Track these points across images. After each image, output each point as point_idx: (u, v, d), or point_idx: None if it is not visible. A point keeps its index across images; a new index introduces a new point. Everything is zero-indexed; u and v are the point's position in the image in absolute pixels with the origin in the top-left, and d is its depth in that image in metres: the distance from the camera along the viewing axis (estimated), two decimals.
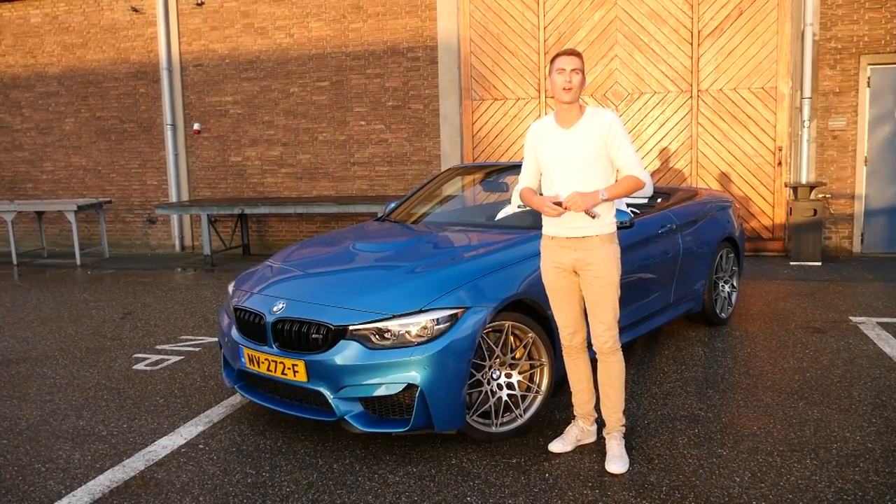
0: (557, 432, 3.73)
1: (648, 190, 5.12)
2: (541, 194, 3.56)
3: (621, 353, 3.48)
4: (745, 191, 9.26)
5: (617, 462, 3.39)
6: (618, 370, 3.46)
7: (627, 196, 3.42)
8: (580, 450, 3.60)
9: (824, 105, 8.84)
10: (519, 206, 5.11)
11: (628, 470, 3.37)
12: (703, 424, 3.88)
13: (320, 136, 10.50)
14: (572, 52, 3.35)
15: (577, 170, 3.34)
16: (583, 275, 3.40)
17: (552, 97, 9.53)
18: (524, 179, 3.62)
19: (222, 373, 4.25)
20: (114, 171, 11.53)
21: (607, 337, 3.40)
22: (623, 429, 3.51)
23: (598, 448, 3.59)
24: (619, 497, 3.13)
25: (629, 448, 3.59)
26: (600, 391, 3.52)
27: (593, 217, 3.28)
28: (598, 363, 3.48)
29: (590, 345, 3.58)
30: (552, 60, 3.38)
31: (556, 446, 3.59)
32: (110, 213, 11.55)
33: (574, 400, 3.67)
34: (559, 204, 3.25)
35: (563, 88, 3.30)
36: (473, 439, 3.70)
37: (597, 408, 3.65)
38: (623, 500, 3.11)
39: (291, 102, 10.54)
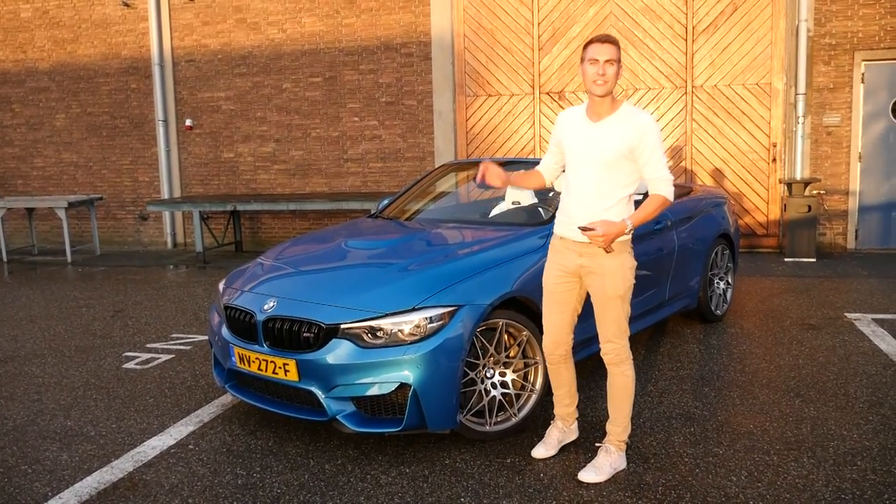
0: None
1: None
2: (557, 192, 3.47)
3: (629, 366, 3.27)
4: (740, 187, 9.24)
5: (591, 471, 3.23)
6: (621, 384, 3.28)
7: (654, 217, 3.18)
8: (575, 450, 3.56)
9: (818, 101, 8.82)
10: (513, 203, 5.08)
11: (623, 470, 3.32)
12: (698, 423, 3.85)
13: (313, 133, 10.43)
14: (607, 39, 3.04)
15: (598, 170, 3.11)
16: (587, 282, 3.24)
17: (547, 93, 9.59)
18: (540, 166, 3.51)
19: (213, 372, 4.19)
20: (105, 167, 11.44)
21: (609, 349, 3.26)
22: (621, 445, 3.33)
23: (591, 448, 3.53)
24: (614, 497, 3.09)
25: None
26: (608, 400, 3.37)
27: (608, 252, 3.05)
28: (608, 372, 3.34)
29: (576, 349, 3.50)
30: (585, 47, 3.09)
31: (540, 452, 3.49)
32: (101, 209, 11.46)
33: (554, 400, 3.55)
34: (585, 228, 3.00)
35: (595, 81, 3.04)
36: (467, 439, 3.65)
37: (581, 410, 3.57)
38: (619, 500, 3.07)
39: (284, 98, 10.47)
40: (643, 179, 3.17)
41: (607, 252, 3.09)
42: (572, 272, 3.28)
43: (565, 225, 3.26)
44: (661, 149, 3.08)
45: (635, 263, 3.26)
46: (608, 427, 3.37)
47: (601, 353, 3.33)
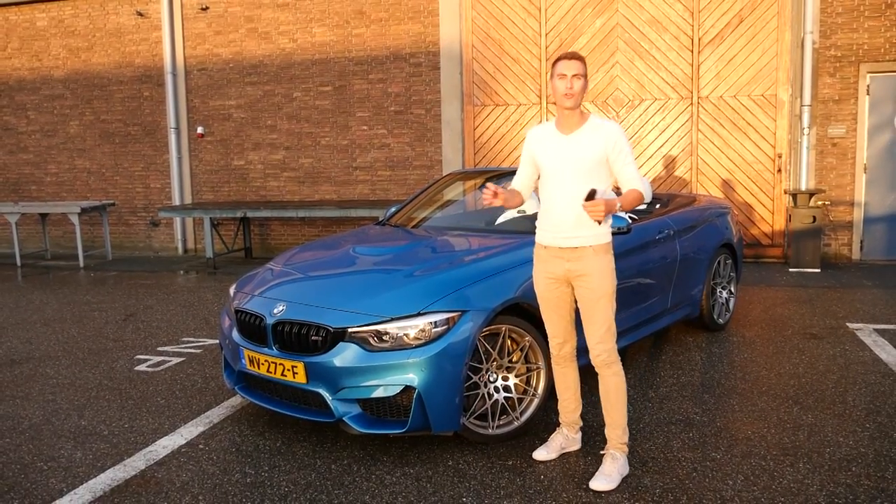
0: None
1: (647, 196, 5.18)
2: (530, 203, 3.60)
3: (619, 366, 3.36)
4: (745, 197, 9.30)
5: (602, 479, 3.27)
6: (615, 384, 3.35)
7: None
8: (575, 453, 3.64)
9: (824, 112, 8.88)
10: (518, 212, 5.16)
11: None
12: (697, 428, 3.92)
13: (323, 141, 10.56)
14: (574, 56, 3.24)
15: (577, 177, 3.27)
16: (576, 286, 3.34)
17: (554, 103, 9.67)
18: (515, 184, 3.56)
19: (223, 374, 4.30)
20: (117, 173, 11.60)
21: (600, 350, 3.33)
22: (624, 448, 3.38)
23: (590, 451, 3.63)
24: (612, 499, 3.17)
25: None
26: (602, 406, 3.42)
27: (599, 223, 3.20)
28: (599, 377, 3.40)
29: (580, 353, 3.55)
30: (553, 64, 3.28)
31: (541, 454, 3.57)
32: (114, 215, 11.62)
33: (560, 407, 3.64)
34: (592, 196, 3.09)
35: (565, 94, 3.22)
36: (470, 441, 3.74)
37: (583, 416, 3.64)
38: (617, 501, 3.14)
39: (294, 107, 10.61)
40: (618, 182, 3.35)
41: (599, 224, 3.25)
42: (560, 278, 3.38)
43: (549, 234, 3.37)
44: (631, 154, 3.30)
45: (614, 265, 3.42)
46: (609, 433, 3.41)
47: (592, 358, 3.37)
